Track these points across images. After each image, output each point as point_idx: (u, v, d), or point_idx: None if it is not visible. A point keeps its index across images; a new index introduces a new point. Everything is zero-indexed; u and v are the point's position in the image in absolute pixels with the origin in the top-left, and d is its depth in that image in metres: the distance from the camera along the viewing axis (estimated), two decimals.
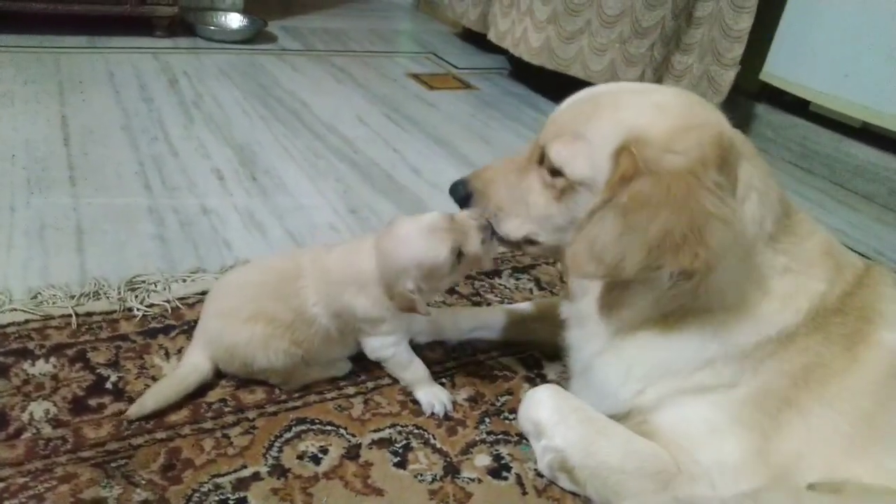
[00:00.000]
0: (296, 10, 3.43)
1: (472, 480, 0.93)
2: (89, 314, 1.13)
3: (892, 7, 1.97)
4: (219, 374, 1.03)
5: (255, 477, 0.89)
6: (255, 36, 2.81)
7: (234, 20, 2.86)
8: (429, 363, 1.10)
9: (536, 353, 1.20)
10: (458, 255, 0.95)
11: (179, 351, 1.08)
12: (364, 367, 1.10)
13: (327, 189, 1.70)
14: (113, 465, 0.87)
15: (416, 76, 2.70)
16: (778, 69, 2.31)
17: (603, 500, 0.87)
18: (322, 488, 0.89)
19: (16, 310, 1.11)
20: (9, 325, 1.08)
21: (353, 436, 0.98)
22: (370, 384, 1.07)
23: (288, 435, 0.96)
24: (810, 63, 2.20)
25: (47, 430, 0.91)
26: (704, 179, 0.79)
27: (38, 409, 0.94)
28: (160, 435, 0.93)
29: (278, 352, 0.98)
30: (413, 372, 1.05)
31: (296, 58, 2.70)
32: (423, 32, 3.45)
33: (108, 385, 1.00)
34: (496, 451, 0.99)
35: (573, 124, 0.89)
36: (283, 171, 1.75)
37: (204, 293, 1.22)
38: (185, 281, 1.25)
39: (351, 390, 1.06)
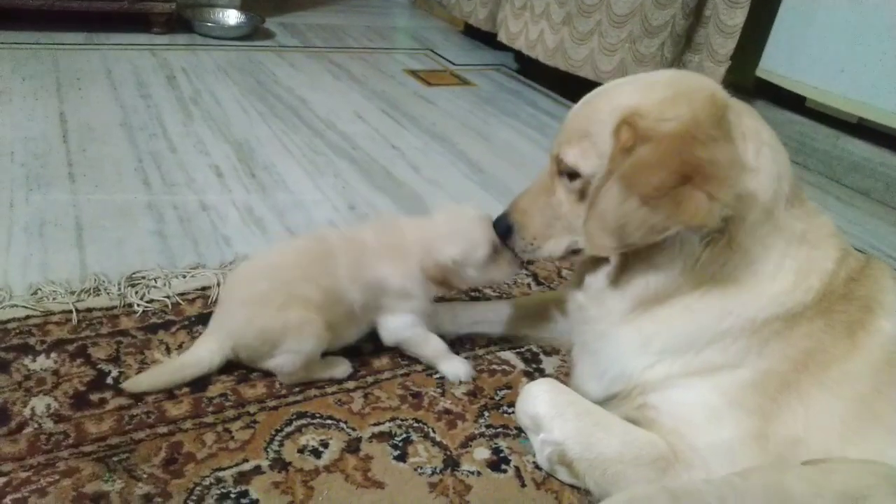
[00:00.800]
0: (293, 6, 3.43)
1: (472, 473, 0.94)
2: (89, 310, 1.13)
3: (888, 3, 1.98)
4: (220, 370, 1.03)
5: (257, 470, 0.90)
6: (252, 32, 2.81)
7: (232, 16, 2.86)
8: None
9: (534, 347, 1.21)
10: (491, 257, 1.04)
11: (180, 346, 1.08)
12: (364, 361, 1.10)
13: (326, 185, 1.70)
14: (115, 459, 0.88)
15: (413, 72, 2.70)
16: (774, 65, 2.32)
17: (602, 492, 0.88)
18: (323, 481, 0.89)
19: (16, 306, 1.11)
20: (9, 320, 1.08)
21: (354, 429, 0.98)
22: (370, 379, 1.08)
23: (289, 429, 0.97)
24: (806, 59, 2.20)
25: (49, 425, 0.91)
26: (699, 136, 0.81)
27: (39, 404, 0.94)
28: (162, 429, 0.93)
29: (313, 335, 0.99)
30: (433, 348, 1.09)
31: (293, 54, 2.70)
32: (420, 29, 3.45)
33: (109, 380, 1.00)
34: (495, 444, 0.99)
35: (578, 126, 0.91)
36: (282, 168, 1.75)
37: (204, 289, 1.22)
38: (184, 277, 1.25)
39: (351, 385, 1.06)
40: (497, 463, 0.96)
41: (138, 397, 0.97)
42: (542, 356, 1.19)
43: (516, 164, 1.98)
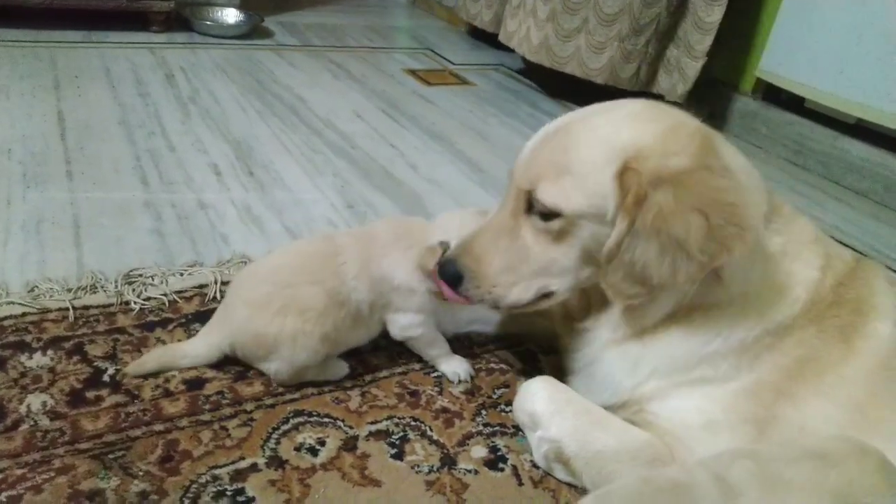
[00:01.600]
0: (292, 5, 3.42)
1: (469, 471, 0.94)
2: (86, 307, 1.13)
3: (887, 4, 1.98)
4: (217, 368, 1.03)
5: (253, 468, 0.89)
6: (251, 31, 2.81)
7: (231, 15, 2.86)
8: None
9: (532, 346, 1.20)
10: None
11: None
12: (361, 360, 1.10)
13: (324, 184, 1.70)
14: (111, 456, 0.88)
15: (413, 72, 2.70)
16: (773, 66, 2.32)
17: None
18: (320, 479, 0.89)
19: (13, 303, 1.11)
20: (6, 318, 1.08)
21: (351, 427, 0.98)
22: (367, 377, 1.08)
23: (285, 427, 0.96)
24: (806, 60, 2.21)
25: (45, 422, 0.91)
26: (714, 167, 0.81)
27: (35, 401, 0.94)
28: (158, 427, 0.93)
29: (306, 348, 0.99)
30: (438, 348, 1.10)
31: (292, 53, 2.70)
32: (419, 28, 3.44)
33: (106, 378, 1.00)
34: (492, 442, 0.99)
35: (553, 160, 0.87)
36: (281, 167, 1.75)
37: (201, 286, 1.22)
38: (182, 275, 1.25)
39: (348, 383, 1.06)
40: (494, 461, 0.96)
41: (134, 395, 0.97)
42: (540, 355, 1.19)
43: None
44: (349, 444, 0.95)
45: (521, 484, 0.93)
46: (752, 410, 0.85)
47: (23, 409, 0.92)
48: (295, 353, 0.99)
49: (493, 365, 1.15)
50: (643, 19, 2.28)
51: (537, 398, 0.95)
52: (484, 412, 1.05)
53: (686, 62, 2.33)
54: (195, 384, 1.01)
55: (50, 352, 1.03)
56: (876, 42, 2.01)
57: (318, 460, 0.92)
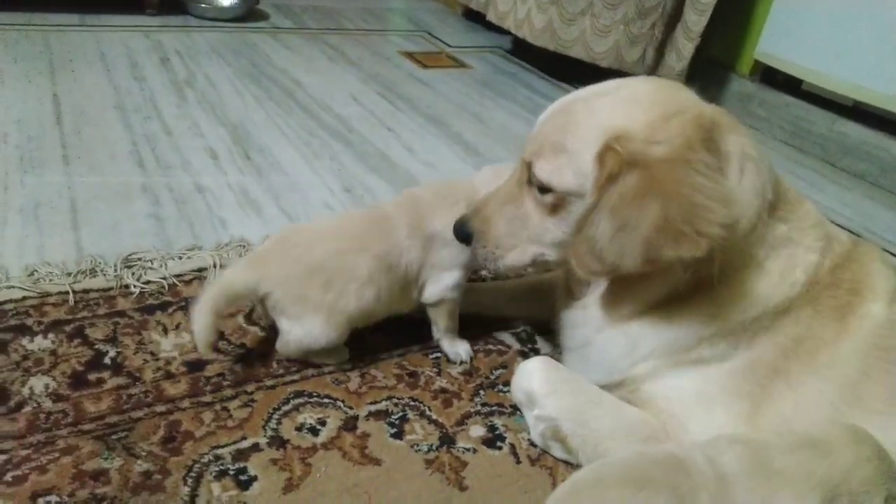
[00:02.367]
0: None
1: (468, 450, 0.95)
2: (86, 291, 1.14)
3: None
4: (215, 349, 1.04)
5: (255, 448, 0.91)
6: (246, 14, 2.78)
7: None
8: (426, 338, 1.12)
9: (530, 328, 1.22)
10: None
11: (177, 326, 1.09)
12: (361, 342, 1.11)
13: (321, 167, 1.70)
14: (114, 437, 0.89)
15: (409, 55, 2.69)
16: (771, 48, 2.31)
17: None
18: (320, 458, 0.90)
19: (13, 287, 1.11)
20: (6, 301, 1.08)
21: (351, 408, 0.99)
22: (367, 358, 1.09)
23: (286, 407, 0.98)
24: (803, 42, 2.20)
25: (48, 404, 0.92)
26: (693, 162, 0.79)
27: (37, 383, 0.95)
28: (160, 408, 0.94)
29: (333, 330, 1.00)
30: (455, 321, 1.11)
31: (288, 36, 2.68)
32: (415, 11, 3.42)
33: (107, 360, 1.01)
34: (490, 422, 1.00)
35: (552, 138, 0.89)
36: (277, 150, 1.75)
37: (200, 270, 1.23)
38: (180, 258, 1.25)
39: (347, 365, 1.07)
40: (492, 440, 0.97)
41: (136, 377, 0.98)
42: (537, 336, 1.20)
43: (511, 146, 1.98)
44: (349, 424, 0.96)
45: (518, 462, 0.94)
46: (747, 388, 0.86)
47: (25, 391, 0.93)
48: (323, 329, 0.99)
49: (490, 346, 1.16)
50: (648, 2, 2.27)
51: (534, 377, 0.96)
52: (482, 392, 1.06)
53: (683, 43, 2.32)
54: (196, 366, 1.02)
55: (51, 335, 1.04)
56: (873, 25, 2.01)
57: (319, 440, 0.93)
